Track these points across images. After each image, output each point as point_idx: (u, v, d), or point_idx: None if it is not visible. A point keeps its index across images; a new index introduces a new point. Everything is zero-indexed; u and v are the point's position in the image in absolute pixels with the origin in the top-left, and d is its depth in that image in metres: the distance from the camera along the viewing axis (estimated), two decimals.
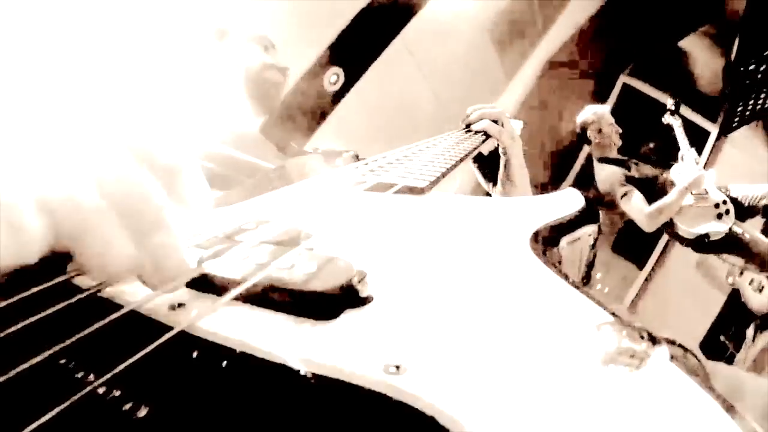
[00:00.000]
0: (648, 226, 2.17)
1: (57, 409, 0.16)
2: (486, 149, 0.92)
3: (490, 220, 0.37)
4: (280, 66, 1.01)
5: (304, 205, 0.41)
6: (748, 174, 2.49)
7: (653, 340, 0.18)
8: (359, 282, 0.23)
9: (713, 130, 2.85)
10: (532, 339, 0.19)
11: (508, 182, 0.90)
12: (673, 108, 2.45)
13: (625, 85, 2.96)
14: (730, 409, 0.15)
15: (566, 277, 0.24)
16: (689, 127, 2.45)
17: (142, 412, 0.17)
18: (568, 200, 0.41)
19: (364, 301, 0.23)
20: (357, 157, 0.82)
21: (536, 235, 0.32)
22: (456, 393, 0.16)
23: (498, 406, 0.16)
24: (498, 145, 0.90)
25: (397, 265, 0.27)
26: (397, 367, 0.18)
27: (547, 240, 0.34)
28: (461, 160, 0.64)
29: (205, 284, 0.24)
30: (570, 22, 2.85)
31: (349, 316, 0.22)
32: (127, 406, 0.17)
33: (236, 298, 0.22)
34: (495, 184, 0.93)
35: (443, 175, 0.53)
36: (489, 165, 0.94)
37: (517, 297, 0.23)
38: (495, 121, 0.89)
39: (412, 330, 0.20)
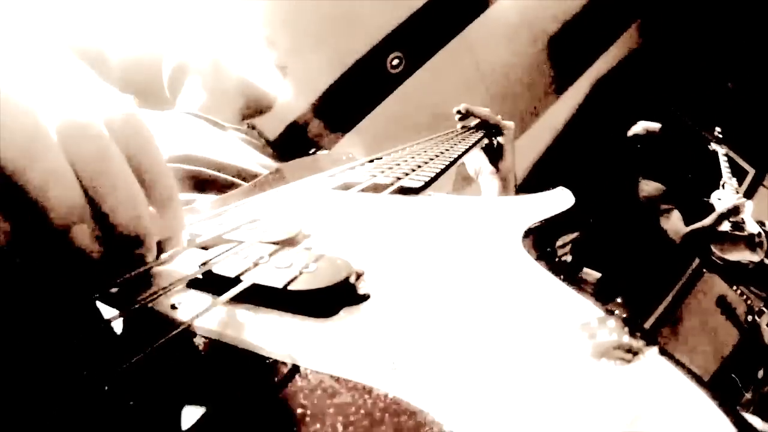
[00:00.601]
0: (682, 245, 2.27)
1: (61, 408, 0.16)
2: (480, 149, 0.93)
3: (484, 218, 0.37)
4: (281, 65, 1.00)
5: (303, 205, 0.41)
6: None
7: (647, 336, 0.18)
8: (356, 280, 0.24)
9: (751, 170, 2.96)
10: (525, 335, 0.20)
11: (495, 175, 0.90)
12: (720, 135, 2.53)
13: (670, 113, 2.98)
14: (720, 402, 0.16)
15: (559, 274, 0.25)
16: (729, 163, 2.52)
17: (144, 408, 0.18)
18: (559, 199, 0.42)
19: (361, 299, 0.23)
20: (355, 158, 0.82)
21: (528, 232, 0.32)
22: (451, 390, 0.17)
23: (492, 402, 0.16)
24: (492, 140, 0.90)
25: (393, 264, 0.28)
26: (394, 364, 0.18)
27: (539, 238, 0.34)
28: (456, 159, 0.65)
29: (205, 283, 0.24)
30: (624, 44, 2.91)
31: (346, 313, 0.22)
32: (130, 402, 0.18)
33: (235, 297, 0.23)
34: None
35: (438, 175, 0.53)
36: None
37: (509, 294, 0.24)
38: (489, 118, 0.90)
39: (409, 328, 0.21)
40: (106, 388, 0.17)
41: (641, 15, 2.85)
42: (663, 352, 0.17)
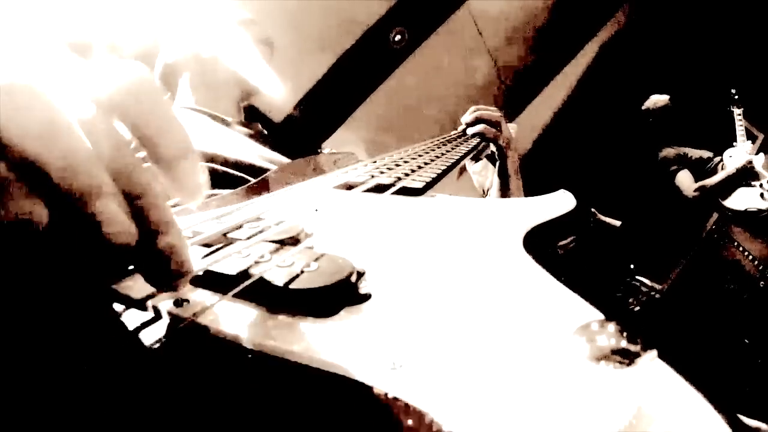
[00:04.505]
0: (693, 200, 2.48)
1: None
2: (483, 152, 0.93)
3: (485, 220, 0.37)
4: (264, 39, 0.99)
5: (305, 204, 0.42)
6: None
7: (645, 341, 0.18)
8: (358, 280, 0.24)
9: (760, 136, 3.06)
10: (525, 337, 0.20)
11: (501, 187, 0.90)
12: (736, 97, 2.62)
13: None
14: (716, 402, 0.16)
15: (559, 277, 0.25)
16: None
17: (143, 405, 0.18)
18: (560, 201, 0.42)
19: (362, 299, 0.23)
20: (357, 159, 0.82)
21: (529, 234, 0.33)
22: (452, 390, 0.17)
23: (492, 403, 0.16)
24: (494, 150, 0.90)
25: (395, 264, 0.28)
26: (394, 364, 0.18)
27: (541, 240, 0.34)
28: (458, 161, 0.65)
29: (208, 281, 0.24)
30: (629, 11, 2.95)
31: (347, 313, 0.22)
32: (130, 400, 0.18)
33: (237, 295, 0.23)
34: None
35: (439, 176, 0.53)
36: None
37: (510, 296, 0.24)
38: (492, 125, 0.89)
39: (410, 328, 0.21)
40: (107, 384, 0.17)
41: None
42: (661, 355, 0.17)
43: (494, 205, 0.42)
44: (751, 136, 2.72)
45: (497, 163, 0.90)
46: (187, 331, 0.21)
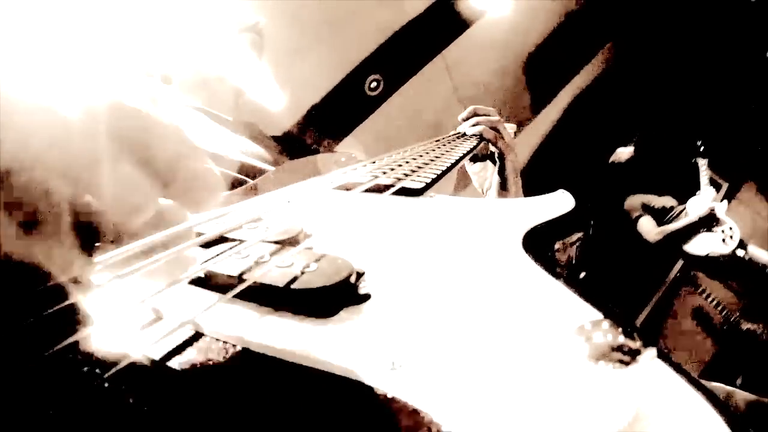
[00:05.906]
0: (655, 245, 2.57)
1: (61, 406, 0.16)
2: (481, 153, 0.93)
3: (484, 220, 0.37)
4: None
5: (305, 205, 0.42)
6: (752, 228, 2.81)
7: (644, 339, 0.18)
8: (357, 280, 0.24)
9: (724, 184, 3.16)
10: (524, 337, 0.20)
11: (501, 187, 0.90)
12: (702, 149, 2.75)
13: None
14: (715, 402, 0.16)
15: (558, 277, 0.25)
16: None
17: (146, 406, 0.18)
18: (559, 202, 0.42)
19: (362, 299, 0.23)
20: (356, 159, 0.82)
21: (528, 235, 0.33)
22: (451, 391, 0.17)
23: (491, 403, 0.16)
24: (493, 150, 0.90)
25: (394, 264, 0.28)
26: (393, 364, 0.18)
27: (540, 240, 0.34)
28: (456, 162, 0.65)
29: (207, 282, 0.24)
30: (599, 64, 3.02)
31: (347, 313, 0.22)
32: (130, 401, 0.18)
33: (237, 296, 0.23)
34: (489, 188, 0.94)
35: (439, 177, 0.53)
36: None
37: (509, 296, 0.24)
38: (491, 127, 0.89)
39: (409, 328, 0.21)
40: (106, 384, 0.17)
41: (614, 37, 3.02)
42: (660, 354, 0.17)
43: (493, 206, 0.42)
44: (715, 185, 2.82)
45: (497, 164, 0.90)
46: (186, 334, 0.21)
